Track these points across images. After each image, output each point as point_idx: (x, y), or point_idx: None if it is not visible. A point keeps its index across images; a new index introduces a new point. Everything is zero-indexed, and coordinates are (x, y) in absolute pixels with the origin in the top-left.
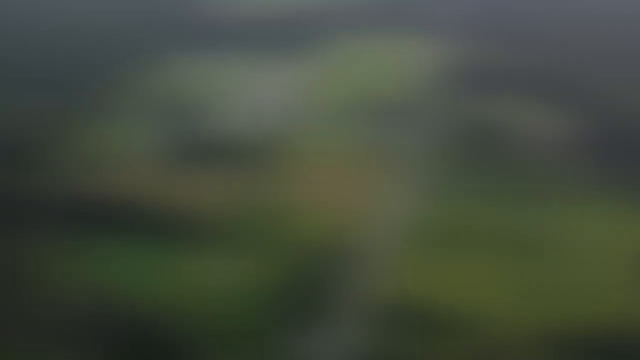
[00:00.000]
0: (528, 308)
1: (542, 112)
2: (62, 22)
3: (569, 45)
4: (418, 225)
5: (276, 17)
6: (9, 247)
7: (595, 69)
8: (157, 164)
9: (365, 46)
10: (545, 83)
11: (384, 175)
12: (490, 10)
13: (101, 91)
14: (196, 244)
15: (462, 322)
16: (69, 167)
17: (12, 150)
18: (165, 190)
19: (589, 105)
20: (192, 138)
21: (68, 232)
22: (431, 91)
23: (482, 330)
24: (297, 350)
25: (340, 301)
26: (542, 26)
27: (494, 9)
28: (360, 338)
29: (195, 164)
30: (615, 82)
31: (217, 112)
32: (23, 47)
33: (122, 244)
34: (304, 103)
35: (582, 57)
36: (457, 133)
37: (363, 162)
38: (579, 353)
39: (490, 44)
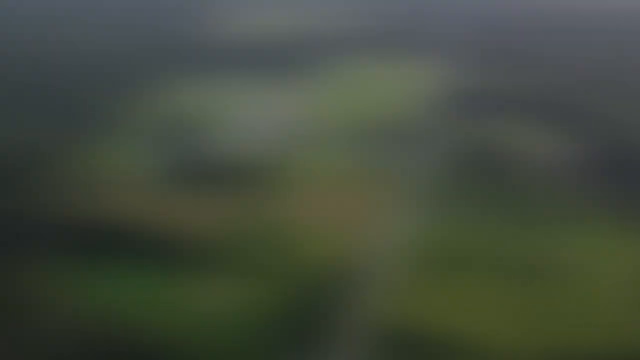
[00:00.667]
0: (530, 333)
1: (543, 134)
2: (64, 46)
3: (570, 70)
4: (419, 248)
5: (277, 41)
6: (2, 270)
7: (596, 92)
8: (156, 187)
9: (364, 70)
10: (546, 106)
11: (385, 198)
12: (490, 34)
13: (100, 114)
14: (195, 267)
15: (463, 347)
16: (66, 190)
17: (10, 171)
18: (164, 213)
19: (590, 127)
20: (191, 161)
21: (64, 256)
22: (432, 114)
23: (483, 356)
24: None
25: (340, 325)
26: (541, 50)
27: (494, 33)
28: (357, 355)
29: (195, 187)
30: (616, 105)
31: (217, 135)
32: (24, 68)
33: (119, 268)
34: (304, 126)
35: (582, 80)
36: (458, 156)
37: (364, 185)
38: None
39: (491, 67)
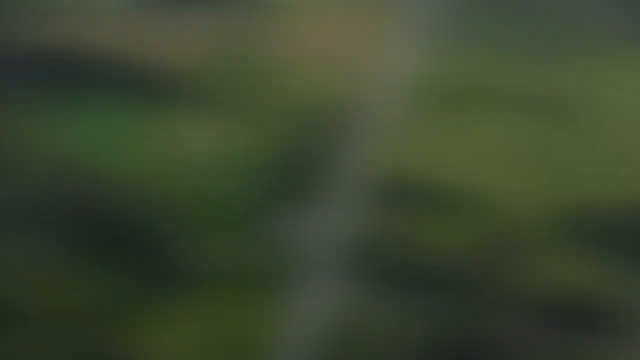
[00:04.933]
0: (544, 182)
1: None
2: None
3: None
4: (426, 84)
5: None
6: None
7: None
8: (124, 10)
9: None
10: None
11: (387, 25)
12: None
13: None
14: (171, 105)
15: (469, 197)
16: (19, 15)
17: None
18: (135, 41)
19: None
20: None
21: (18, 92)
22: None
23: (490, 208)
24: (286, 228)
25: (335, 173)
26: None
27: None
28: (357, 215)
29: (171, 9)
30: None
31: None
32: None
33: (83, 105)
34: None
35: None
36: None
37: (364, 9)
38: (599, 235)
39: None
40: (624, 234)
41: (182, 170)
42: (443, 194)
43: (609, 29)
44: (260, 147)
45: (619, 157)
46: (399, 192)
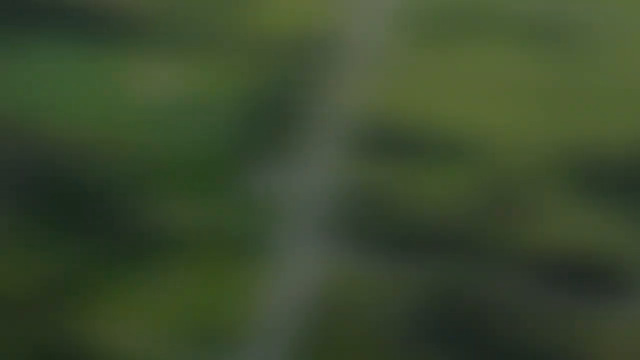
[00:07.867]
0: (544, 122)
1: None
2: None
3: None
4: (416, 15)
5: None
6: None
7: None
8: None
9: None
10: None
11: None
12: None
13: None
14: (130, 43)
15: (463, 142)
16: None
17: None
18: None
19: None
20: None
21: None
22: None
23: (486, 154)
24: (262, 183)
25: (314, 120)
26: None
27: None
28: (340, 167)
29: None
30: None
31: None
32: None
33: (30, 48)
34: None
35: None
36: None
37: None
38: (604, 182)
39: None
40: (629, 180)
41: (144, 120)
42: (434, 139)
43: None
44: (232, 91)
45: (625, 92)
46: (386, 138)
